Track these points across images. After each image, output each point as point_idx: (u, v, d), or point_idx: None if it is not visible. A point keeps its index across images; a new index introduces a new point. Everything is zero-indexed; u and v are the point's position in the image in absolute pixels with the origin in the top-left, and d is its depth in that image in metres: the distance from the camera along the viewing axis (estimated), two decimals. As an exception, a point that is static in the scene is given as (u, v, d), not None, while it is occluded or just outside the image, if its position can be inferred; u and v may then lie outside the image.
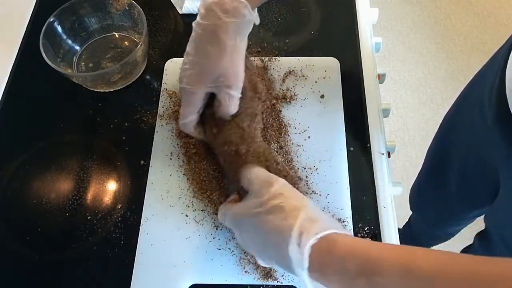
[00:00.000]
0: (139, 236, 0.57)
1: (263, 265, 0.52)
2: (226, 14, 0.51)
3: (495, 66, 0.65)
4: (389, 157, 0.65)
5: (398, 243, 0.56)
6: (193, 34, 0.54)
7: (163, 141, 0.63)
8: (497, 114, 0.62)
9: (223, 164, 0.57)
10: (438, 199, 0.97)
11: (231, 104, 0.54)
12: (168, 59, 0.71)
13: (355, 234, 0.56)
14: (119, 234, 0.58)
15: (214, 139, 0.56)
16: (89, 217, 0.59)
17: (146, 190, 0.60)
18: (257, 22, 0.55)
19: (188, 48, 0.54)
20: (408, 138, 1.64)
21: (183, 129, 0.57)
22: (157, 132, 0.64)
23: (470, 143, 0.76)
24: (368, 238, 0.56)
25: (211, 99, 0.56)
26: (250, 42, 0.72)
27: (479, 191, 0.81)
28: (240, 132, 0.54)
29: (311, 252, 0.40)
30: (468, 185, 0.83)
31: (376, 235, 0.56)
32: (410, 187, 1.11)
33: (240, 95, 0.55)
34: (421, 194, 1.06)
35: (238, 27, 0.52)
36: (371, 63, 0.70)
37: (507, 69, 0.59)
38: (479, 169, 0.76)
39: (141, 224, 0.58)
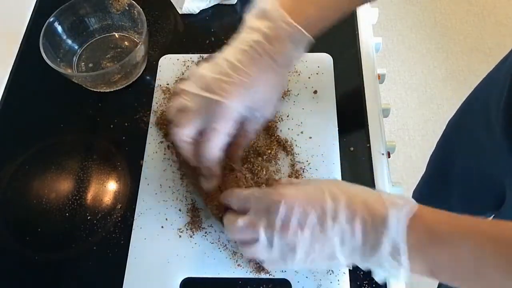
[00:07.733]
0: (133, 230, 0.57)
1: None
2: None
3: (500, 79, 0.64)
4: (389, 157, 0.65)
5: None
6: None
7: (157, 137, 0.64)
8: (506, 128, 0.61)
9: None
10: (439, 207, 0.96)
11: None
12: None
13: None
14: (119, 234, 0.58)
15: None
16: (89, 217, 0.59)
17: (140, 185, 0.60)
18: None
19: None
20: (408, 138, 1.64)
21: (206, 155, 0.47)
22: (151, 127, 0.64)
23: (475, 154, 0.75)
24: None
25: None
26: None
27: (482, 200, 0.80)
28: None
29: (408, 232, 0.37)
30: (470, 196, 0.82)
31: (376, 235, 0.56)
32: (411, 194, 1.09)
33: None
34: (422, 201, 1.05)
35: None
36: (371, 63, 0.70)
37: None
38: (483, 180, 0.75)
39: (134, 218, 0.58)
